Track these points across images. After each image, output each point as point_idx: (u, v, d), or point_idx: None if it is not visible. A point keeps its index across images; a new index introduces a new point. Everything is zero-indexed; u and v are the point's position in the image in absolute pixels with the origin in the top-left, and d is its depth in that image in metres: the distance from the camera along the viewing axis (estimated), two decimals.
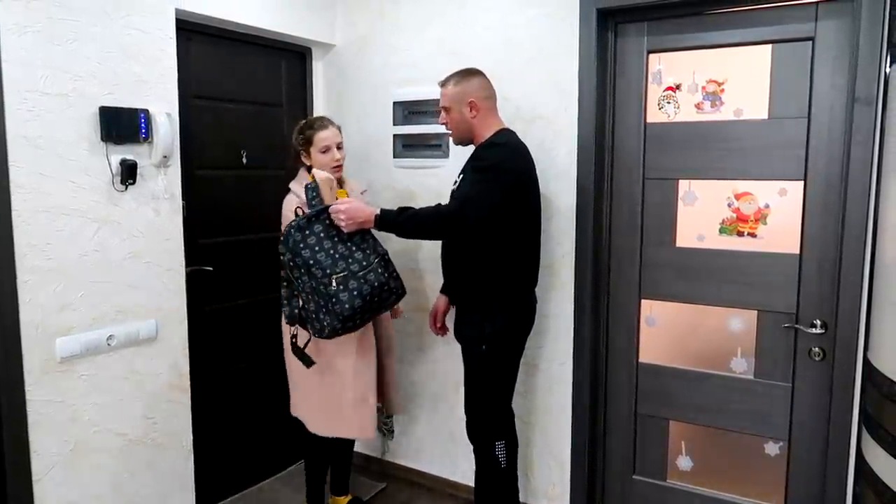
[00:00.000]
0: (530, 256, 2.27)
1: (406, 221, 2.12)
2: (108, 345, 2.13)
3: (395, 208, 2.16)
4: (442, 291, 2.52)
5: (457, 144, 2.32)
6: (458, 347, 2.31)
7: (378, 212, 2.12)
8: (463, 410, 2.34)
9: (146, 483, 2.30)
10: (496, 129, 2.21)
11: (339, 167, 2.35)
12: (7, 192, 1.86)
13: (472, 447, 2.34)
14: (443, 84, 2.25)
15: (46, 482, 2.01)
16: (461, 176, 2.22)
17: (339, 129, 2.39)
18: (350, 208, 2.11)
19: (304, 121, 2.44)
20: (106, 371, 2.15)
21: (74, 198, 2.02)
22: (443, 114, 2.27)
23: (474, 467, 2.36)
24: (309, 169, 2.36)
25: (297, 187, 2.31)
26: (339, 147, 2.35)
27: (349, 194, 2.37)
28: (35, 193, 1.92)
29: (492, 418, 2.27)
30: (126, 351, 2.20)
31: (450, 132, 2.29)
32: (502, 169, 2.10)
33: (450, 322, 2.49)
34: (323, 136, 2.31)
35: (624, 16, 2.38)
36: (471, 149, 2.26)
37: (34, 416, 1.96)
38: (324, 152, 2.31)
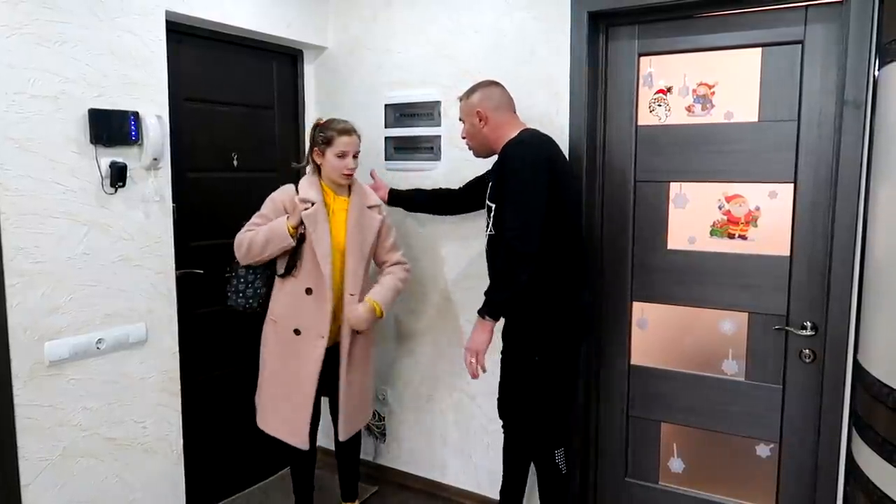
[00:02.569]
0: (574, 252, 2.16)
1: (496, 293, 2.04)
2: (98, 348, 2.12)
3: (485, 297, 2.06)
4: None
5: (477, 156, 2.30)
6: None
7: (483, 317, 2.06)
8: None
9: (136, 488, 2.28)
10: (515, 132, 2.14)
11: (349, 175, 2.33)
12: None
13: (502, 457, 2.32)
14: (460, 98, 2.30)
15: (35, 487, 1.99)
16: (489, 183, 2.17)
17: (359, 138, 2.37)
18: (470, 349, 2.08)
19: (329, 119, 2.39)
20: (95, 375, 2.13)
21: (63, 200, 2.01)
22: (462, 127, 2.30)
23: (500, 478, 2.33)
24: (318, 169, 2.36)
25: (305, 185, 2.32)
26: (354, 156, 2.34)
27: (351, 208, 2.34)
28: (23, 196, 1.91)
29: (553, 428, 2.20)
30: (116, 355, 2.18)
31: (470, 146, 2.29)
32: (531, 161, 2.01)
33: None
34: (344, 142, 2.29)
35: (615, 19, 2.38)
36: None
37: (22, 421, 1.95)
38: (339, 157, 2.30)
